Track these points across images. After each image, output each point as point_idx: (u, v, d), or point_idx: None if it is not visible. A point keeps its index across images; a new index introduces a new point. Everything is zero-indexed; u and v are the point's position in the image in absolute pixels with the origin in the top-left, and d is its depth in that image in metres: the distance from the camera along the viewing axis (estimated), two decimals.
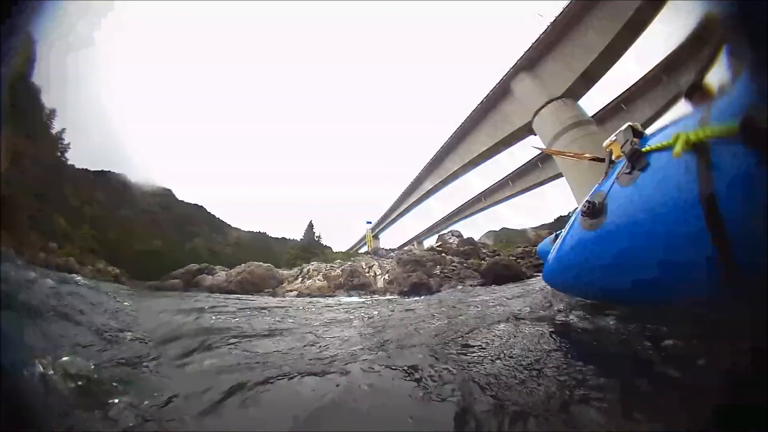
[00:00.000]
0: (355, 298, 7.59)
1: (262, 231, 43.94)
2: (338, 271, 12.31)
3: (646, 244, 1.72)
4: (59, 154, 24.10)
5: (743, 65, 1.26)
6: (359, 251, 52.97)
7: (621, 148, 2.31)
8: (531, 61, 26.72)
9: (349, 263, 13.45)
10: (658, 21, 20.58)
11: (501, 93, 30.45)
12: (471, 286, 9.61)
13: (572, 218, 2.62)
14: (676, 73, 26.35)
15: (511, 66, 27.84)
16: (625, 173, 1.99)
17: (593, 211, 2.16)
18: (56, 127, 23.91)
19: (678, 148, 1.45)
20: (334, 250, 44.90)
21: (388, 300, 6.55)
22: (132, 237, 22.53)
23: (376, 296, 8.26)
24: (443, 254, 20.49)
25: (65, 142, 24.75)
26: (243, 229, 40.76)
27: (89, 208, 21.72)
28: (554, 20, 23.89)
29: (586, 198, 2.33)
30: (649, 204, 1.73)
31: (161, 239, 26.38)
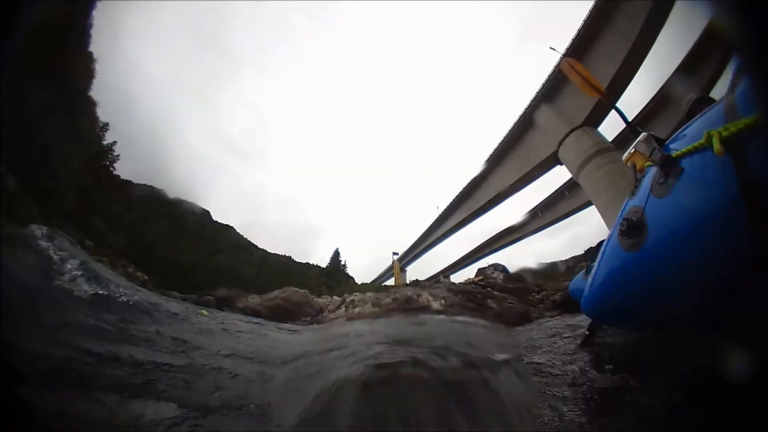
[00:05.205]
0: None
1: (288, 255, 43.41)
2: (389, 300, 11.01)
3: (700, 256, 1.55)
4: (107, 163, 25.17)
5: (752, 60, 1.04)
6: (384, 283, 50.73)
7: (650, 157, 2.16)
8: (550, 93, 27.08)
9: (398, 293, 12.26)
10: (664, 35, 20.87)
11: (525, 125, 30.55)
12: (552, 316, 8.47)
13: (606, 242, 2.43)
14: (686, 89, 26.23)
15: (531, 99, 28.41)
16: (659, 183, 1.86)
17: (633, 228, 1.93)
18: (108, 139, 25.31)
19: (718, 145, 1.35)
20: (357, 282, 43.28)
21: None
22: (163, 248, 22.64)
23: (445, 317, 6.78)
24: (488, 289, 18.98)
25: (115, 153, 26.03)
26: (269, 251, 40.39)
27: (128, 216, 22.07)
28: (565, 52, 24.21)
29: (621, 216, 2.13)
30: (693, 212, 1.59)
31: (190, 254, 26.35)
